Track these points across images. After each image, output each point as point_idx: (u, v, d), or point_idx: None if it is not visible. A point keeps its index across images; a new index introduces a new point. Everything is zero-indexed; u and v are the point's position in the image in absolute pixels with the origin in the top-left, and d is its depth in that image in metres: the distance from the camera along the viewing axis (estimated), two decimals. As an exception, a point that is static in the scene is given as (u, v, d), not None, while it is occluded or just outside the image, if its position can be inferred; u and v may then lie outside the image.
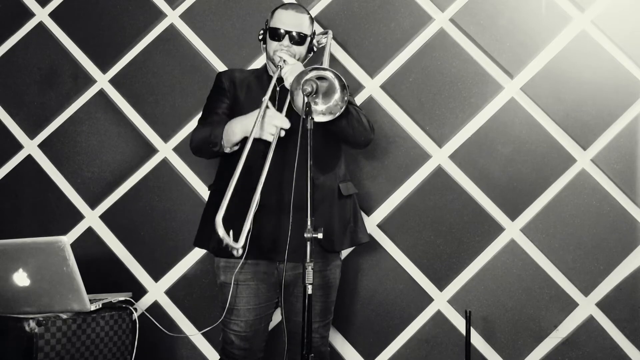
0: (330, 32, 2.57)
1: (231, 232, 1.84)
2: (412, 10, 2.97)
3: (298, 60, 2.33)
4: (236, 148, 2.26)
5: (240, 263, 2.23)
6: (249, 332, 2.30)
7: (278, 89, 2.31)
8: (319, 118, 2.08)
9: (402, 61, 2.96)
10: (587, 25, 2.91)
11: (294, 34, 2.33)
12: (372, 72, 2.96)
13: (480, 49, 2.93)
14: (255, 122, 2.12)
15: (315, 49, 2.47)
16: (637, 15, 2.90)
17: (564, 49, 2.91)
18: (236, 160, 2.03)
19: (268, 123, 2.16)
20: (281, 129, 2.15)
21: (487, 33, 2.93)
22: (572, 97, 2.89)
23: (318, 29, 2.75)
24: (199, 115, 3.00)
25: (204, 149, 2.32)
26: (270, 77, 2.35)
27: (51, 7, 3.11)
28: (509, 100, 2.92)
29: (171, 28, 3.05)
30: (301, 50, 2.36)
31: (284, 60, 2.26)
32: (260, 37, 2.43)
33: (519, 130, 2.90)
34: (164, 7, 3.06)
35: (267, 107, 2.18)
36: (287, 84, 2.18)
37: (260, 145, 2.19)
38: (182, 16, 3.05)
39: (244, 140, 2.20)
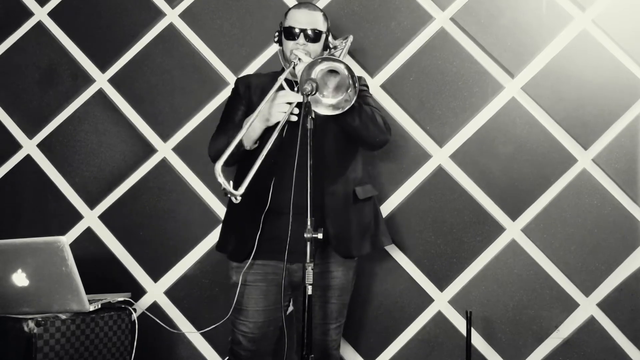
0: (350, 36, 2.55)
1: (231, 182, 1.86)
2: (412, 10, 2.96)
3: (314, 57, 2.32)
4: (255, 146, 2.24)
5: (248, 263, 2.23)
6: (257, 333, 2.30)
7: (296, 89, 2.30)
8: (327, 111, 2.09)
9: (403, 61, 2.95)
10: (588, 24, 2.90)
11: (309, 31, 2.32)
12: (372, 72, 2.95)
13: (481, 48, 2.93)
14: (266, 100, 2.11)
15: (331, 47, 2.45)
16: (638, 15, 2.89)
17: (565, 48, 2.90)
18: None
19: (279, 103, 2.18)
20: (293, 111, 2.16)
21: (487, 32, 2.93)
22: (573, 96, 2.88)
23: (339, 34, 2.73)
24: (198, 114, 3.01)
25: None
26: (287, 81, 2.34)
27: (50, 6, 3.10)
28: (510, 100, 2.91)
29: (170, 27, 3.04)
30: (316, 47, 2.34)
31: (299, 59, 2.25)
32: (276, 39, 2.42)
33: (520, 129, 2.89)
34: (164, 6, 3.05)
35: (280, 87, 2.20)
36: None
37: (278, 137, 2.18)
38: (182, 15, 3.04)
39: (263, 136, 2.21)
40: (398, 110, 2.93)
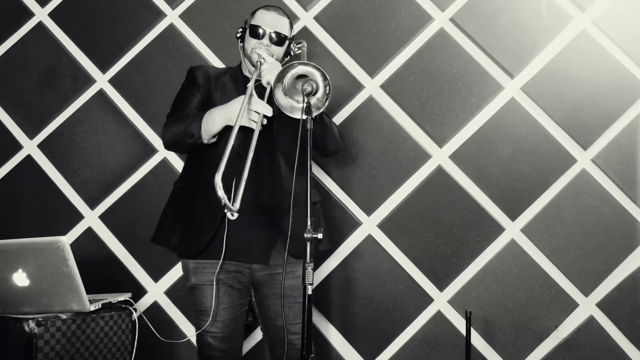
0: (304, 42, 2.56)
1: (225, 195, 1.82)
2: (412, 10, 2.96)
3: (276, 60, 2.33)
4: (213, 140, 2.24)
5: (220, 263, 2.22)
6: (226, 332, 2.30)
7: (250, 84, 2.29)
8: (298, 115, 2.04)
9: (402, 61, 2.95)
10: (587, 24, 2.91)
11: (274, 34, 2.34)
12: (372, 72, 2.96)
13: (481, 48, 2.93)
14: (241, 108, 2.10)
15: (292, 54, 2.47)
16: (637, 15, 2.90)
17: (565, 48, 2.90)
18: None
19: (249, 110, 2.17)
20: (264, 117, 2.16)
21: (487, 33, 2.93)
22: (573, 96, 2.88)
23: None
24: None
25: (180, 142, 2.28)
26: (246, 78, 2.36)
27: (51, 6, 3.10)
28: (510, 100, 2.91)
29: (171, 28, 3.04)
30: (279, 51, 2.37)
31: (263, 58, 2.26)
32: (239, 34, 2.43)
33: (520, 130, 2.90)
34: (164, 6, 3.06)
35: (251, 94, 2.18)
36: (264, 81, 2.20)
37: (240, 135, 2.17)
38: (182, 16, 3.05)
39: (223, 130, 2.22)
40: (398, 110, 2.94)
